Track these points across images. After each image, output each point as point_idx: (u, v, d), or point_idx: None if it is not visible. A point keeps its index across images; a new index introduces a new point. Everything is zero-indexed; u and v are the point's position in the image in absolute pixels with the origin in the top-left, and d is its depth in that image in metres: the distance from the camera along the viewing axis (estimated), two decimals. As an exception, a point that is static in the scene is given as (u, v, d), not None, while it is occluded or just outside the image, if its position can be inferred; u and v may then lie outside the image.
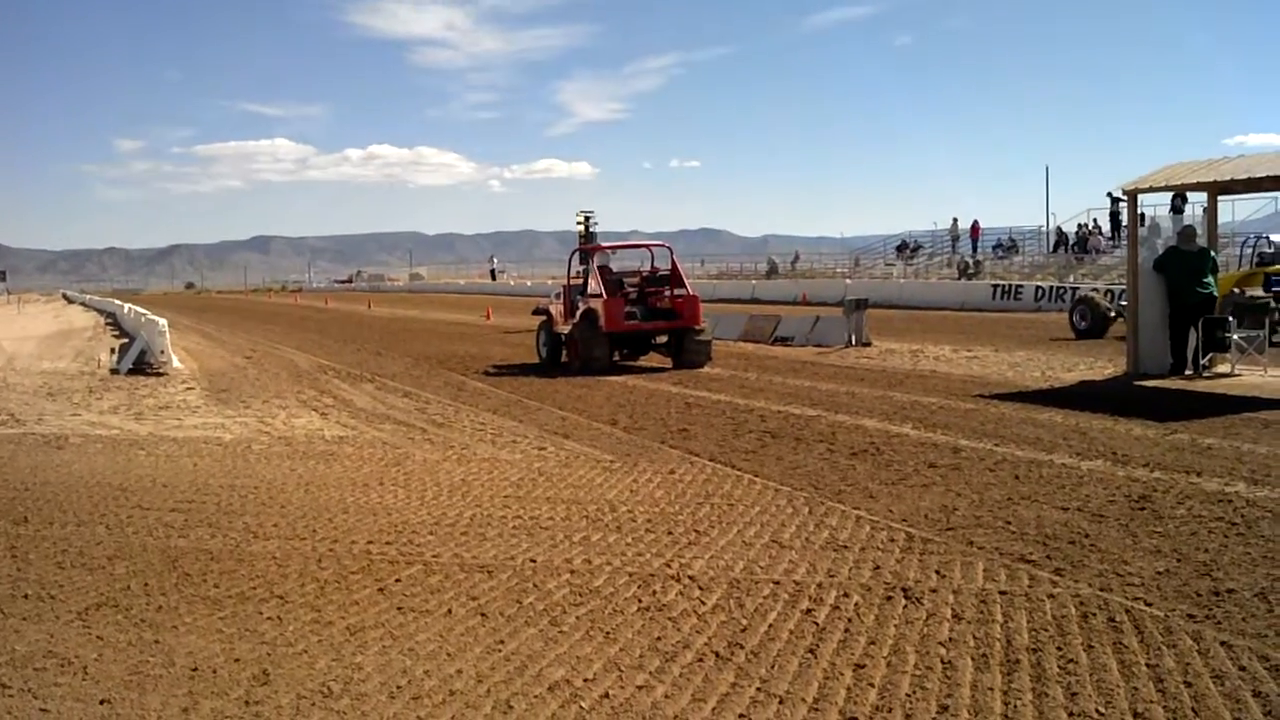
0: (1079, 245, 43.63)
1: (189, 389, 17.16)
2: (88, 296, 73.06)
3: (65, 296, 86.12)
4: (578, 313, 18.62)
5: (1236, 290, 18.57)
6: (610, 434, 11.71)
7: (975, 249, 50.05)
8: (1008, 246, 49.16)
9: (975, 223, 51.66)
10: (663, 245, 20.54)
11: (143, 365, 19.75)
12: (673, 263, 19.35)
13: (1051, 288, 34.56)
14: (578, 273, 20.35)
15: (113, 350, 21.86)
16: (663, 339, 18.75)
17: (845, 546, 6.87)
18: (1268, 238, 23.26)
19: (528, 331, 23.25)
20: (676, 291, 18.64)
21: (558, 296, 20.07)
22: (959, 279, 44.39)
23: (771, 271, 62.63)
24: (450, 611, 5.83)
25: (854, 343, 21.37)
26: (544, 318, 20.21)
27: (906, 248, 56.13)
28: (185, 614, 5.92)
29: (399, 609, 5.90)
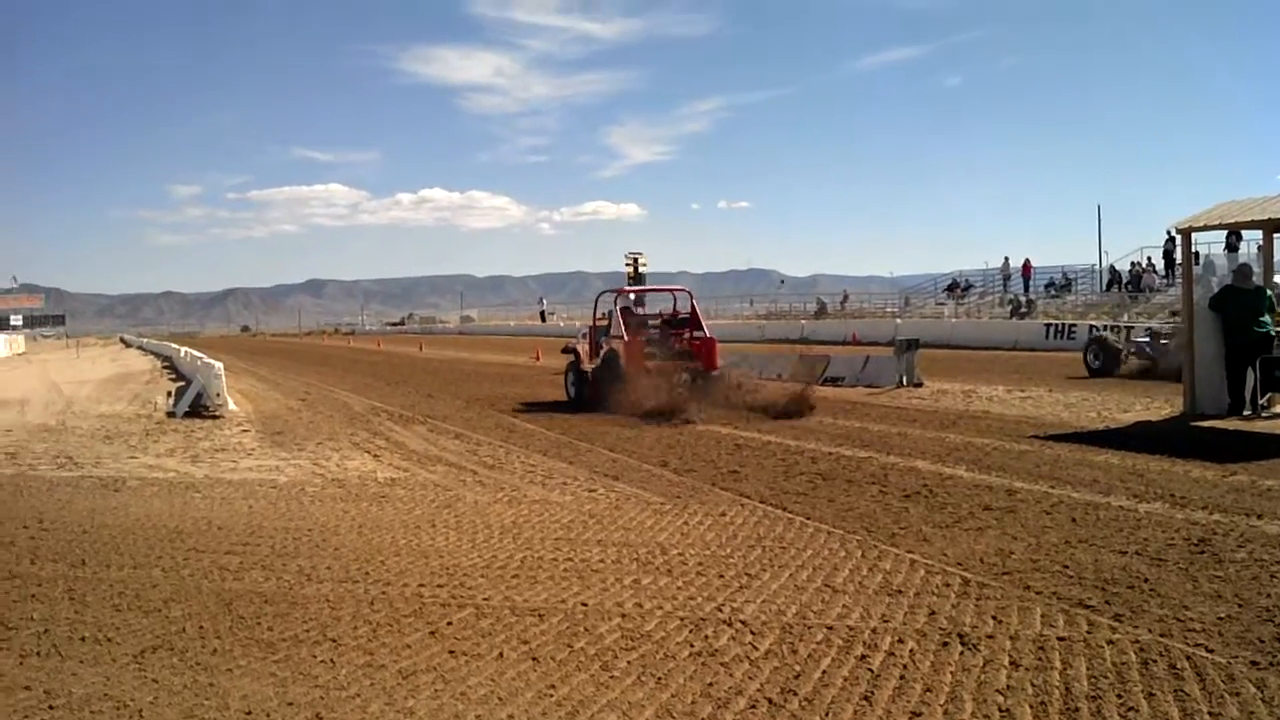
0: (1133, 284, 43.19)
1: (244, 432, 17.35)
2: (145, 340, 74.17)
3: (123, 340, 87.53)
4: (601, 352, 19.23)
5: None
6: (660, 476, 11.69)
7: (1027, 288, 49.67)
8: (1060, 285, 48.77)
9: (1027, 261, 51.30)
10: (683, 289, 21.29)
11: (199, 408, 20.00)
12: (692, 306, 20.11)
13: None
14: (603, 314, 20.78)
15: (169, 393, 22.18)
16: (684, 378, 18.96)
17: (900, 591, 6.80)
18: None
19: (577, 373, 23.31)
20: (695, 334, 19.31)
21: (584, 336, 20.78)
22: (1011, 318, 44.04)
23: (820, 311, 62.49)
24: (502, 655, 5.82)
25: (905, 383, 21.22)
26: (572, 357, 20.83)
27: (957, 287, 55.85)
28: (240, 657, 5.96)
29: (451, 652, 5.90)
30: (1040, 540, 8.01)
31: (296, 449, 15.03)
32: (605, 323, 20.06)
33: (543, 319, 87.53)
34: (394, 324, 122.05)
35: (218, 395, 20.42)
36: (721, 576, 7.28)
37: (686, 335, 19.34)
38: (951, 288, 56.28)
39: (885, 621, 6.18)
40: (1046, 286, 49.39)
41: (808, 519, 9.09)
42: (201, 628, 6.55)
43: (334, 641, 6.17)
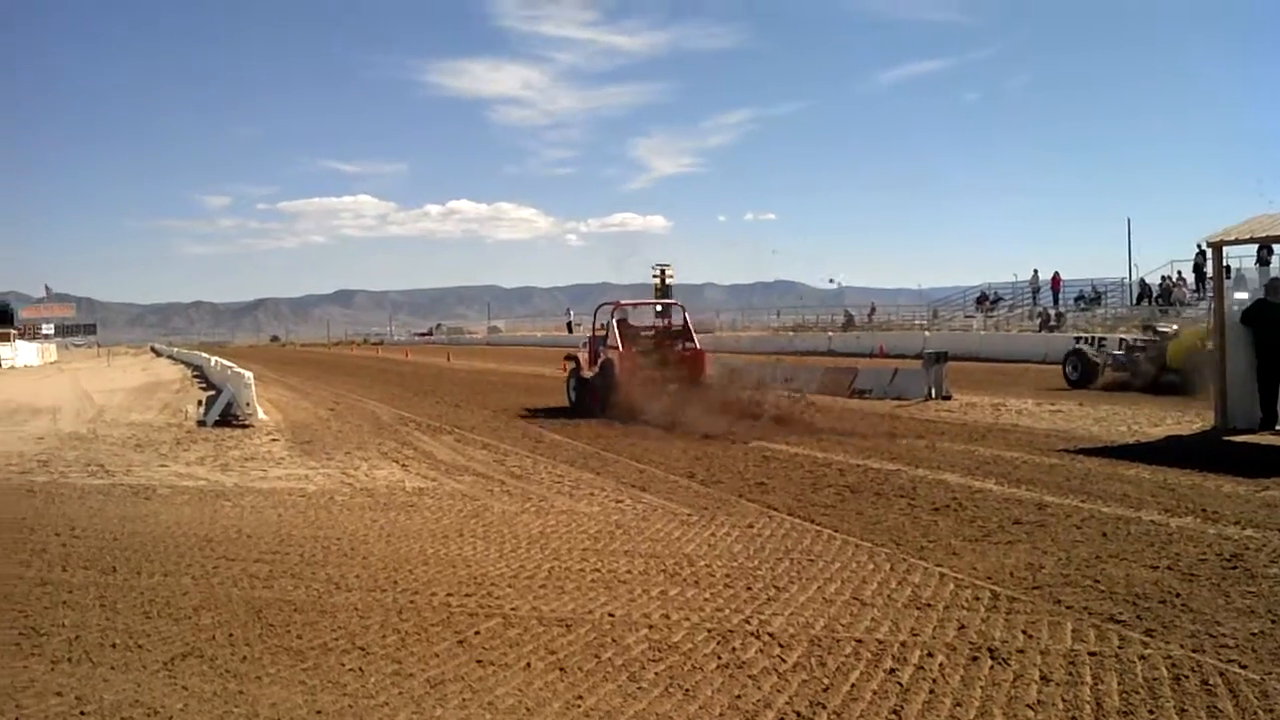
0: (1163, 297, 42.88)
1: (274, 440, 17.44)
2: (175, 349, 74.70)
3: (154, 349, 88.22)
4: (599, 361, 20.30)
5: None
6: (687, 487, 11.67)
7: (1056, 301, 49.39)
8: (1090, 298, 48.46)
9: (1056, 274, 51.03)
10: (676, 303, 22.70)
11: (229, 417, 20.13)
12: (684, 319, 21.40)
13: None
14: (602, 325, 21.45)
15: (200, 402, 22.33)
16: (674, 387, 19.71)
17: (929, 604, 6.76)
18: None
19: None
20: (686, 345, 20.54)
21: (584, 345, 21.81)
22: (1040, 331, 43.75)
23: (848, 323, 62.27)
24: (529, 665, 5.83)
25: (934, 395, 21.12)
26: (574, 364, 21.92)
27: (986, 299, 55.61)
28: (269, 665, 5.99)
29: (478, 662, 5.91)
30: (1071, 554, 7.96)
31: (325, 458, 15.10)
32: (604, 333, 20.89)
33: (569, 330, 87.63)
34: (422, 334, 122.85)
35: (247, 404, 20.54)
36: (749, 588, 7.27)
37: (679, 347, 20.53)
38: (980, 300, 56.04)
39: (914, 635, 6.15)
40: (1076, 299, 49.10)
41: (836, 532, 9.05)
42: (231, 635, 6.59)
43: (362, 650, 6.20)
